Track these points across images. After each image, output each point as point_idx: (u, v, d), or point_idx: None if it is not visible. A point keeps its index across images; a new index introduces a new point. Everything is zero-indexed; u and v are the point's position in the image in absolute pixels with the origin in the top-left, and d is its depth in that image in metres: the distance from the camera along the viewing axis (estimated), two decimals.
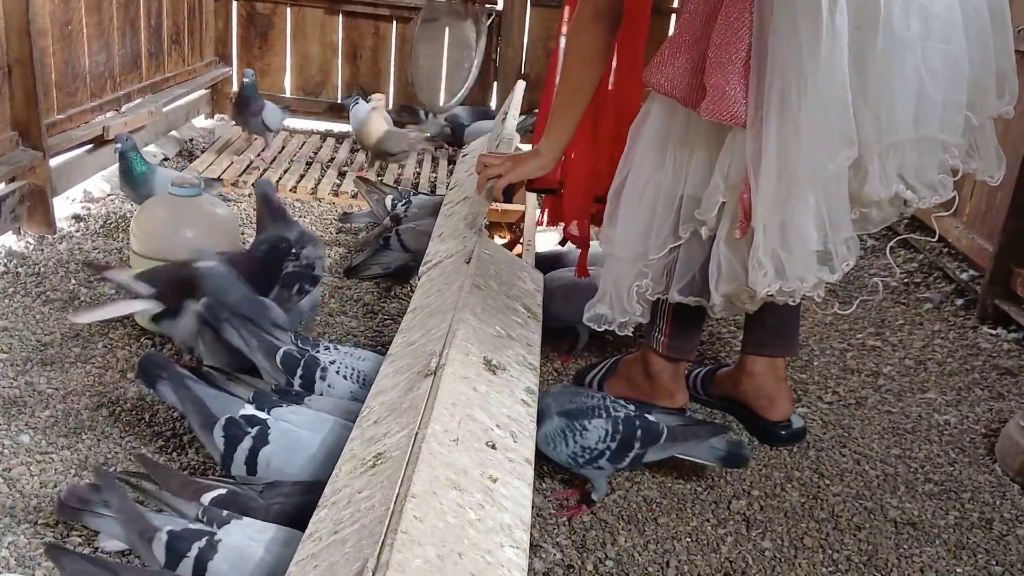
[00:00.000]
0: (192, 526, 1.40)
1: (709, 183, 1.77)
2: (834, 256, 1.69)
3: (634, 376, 2.22)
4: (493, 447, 1.39)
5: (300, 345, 1.98)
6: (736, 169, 1.71)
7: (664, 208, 1.87)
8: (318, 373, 1.92)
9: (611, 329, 2.02)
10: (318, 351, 1.97)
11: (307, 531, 1.25)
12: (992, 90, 1.70)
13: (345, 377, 1.92)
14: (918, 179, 1.68)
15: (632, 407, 1.88)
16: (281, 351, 1.94)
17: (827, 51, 1.55)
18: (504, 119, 3.11)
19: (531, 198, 3.18)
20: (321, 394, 1.90)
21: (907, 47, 1.58)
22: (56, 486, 1.76)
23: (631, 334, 2.06)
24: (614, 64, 2.24)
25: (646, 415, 1.86)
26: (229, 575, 1.35)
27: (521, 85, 3.89)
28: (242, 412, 1.71)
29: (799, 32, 1.56)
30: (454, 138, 4.50)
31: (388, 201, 3.09)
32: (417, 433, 1.32)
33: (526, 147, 4.20)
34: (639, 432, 1.82)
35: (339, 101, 4.97)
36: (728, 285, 1.80)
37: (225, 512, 1.43)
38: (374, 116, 3.91)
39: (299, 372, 1.92)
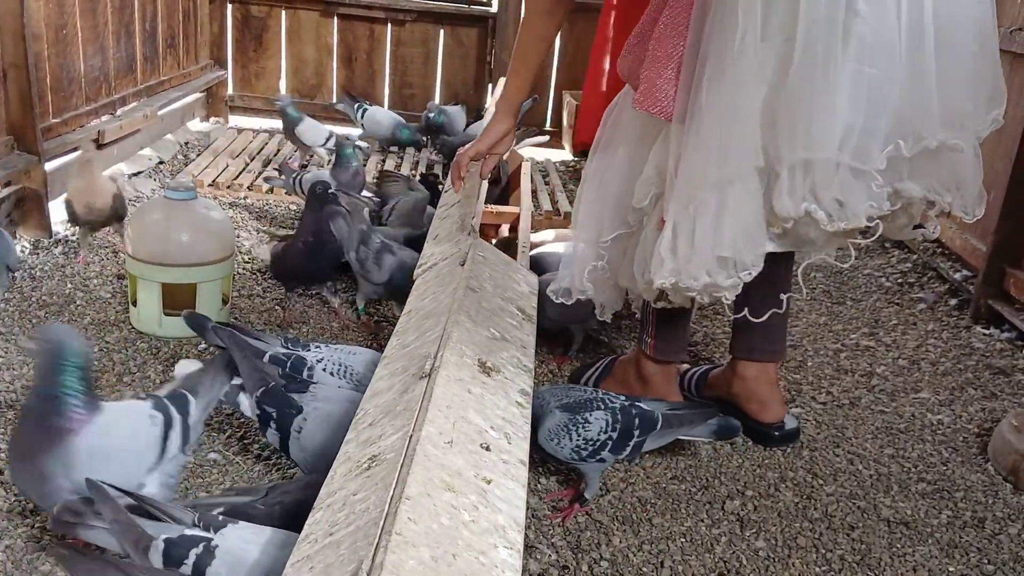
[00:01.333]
0: (188, 532, 1.41)
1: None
2: (735, 265, 1.71)
3: (628, 377, 2.23)
4: (487, 449, 1.40)
5: (289, 347, 2.00)
6: (665, 163, 1.76)
7: (619, 194, 1.93)
8: (304, 373, 1.94)
9: (568, 302, 2.13)
10: (307, 350, 1.99)
11: (302, 533, 1.25)
12: (937, 120, 1.65)
13: (332, 373, 1.94)
14: (835, 201, 1.65)
15: (623, 397, 1.91)
16: (267, 355, 1.96)
17: (737, 58, 1.58)
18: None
19: (526, 199, 3.19)
20: None
21: (829, 64, 1.58)
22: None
23: (610, 320, 2.15)
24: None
25: (639, 403, 1.90)
26: None
27: (503, 80, 3.90)
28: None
29: (723, 37, 1.60)
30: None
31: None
32: (412, 435, 1.33)
33: (522, 148, 4.22)
34: (637, 420, 1.85)
35: (336, 106, 4.80)
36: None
37: (221, 516, 1.44)
38: (95, 174, 2.86)
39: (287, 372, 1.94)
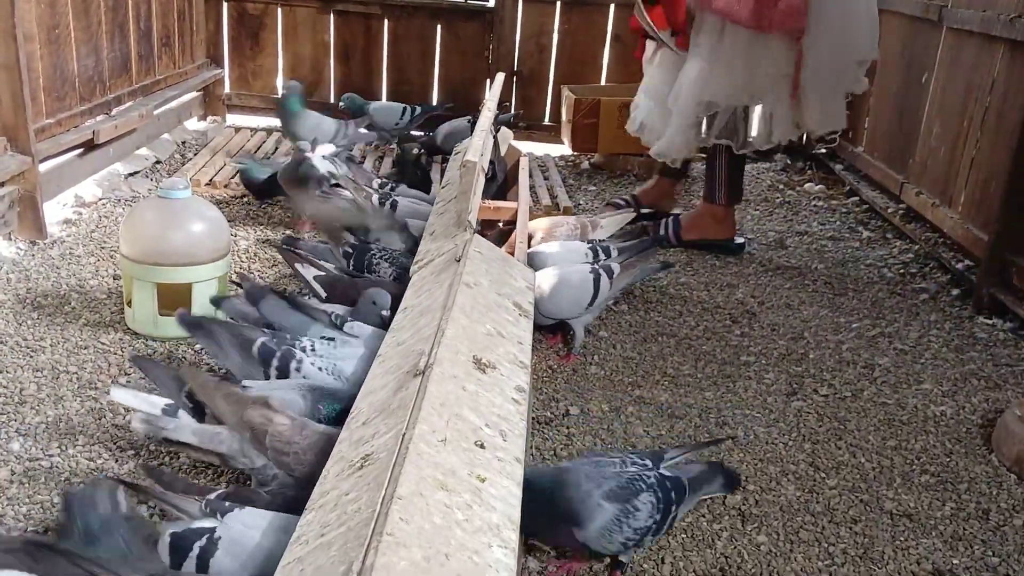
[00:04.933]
0: (194, 525, 1.41)
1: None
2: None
3: (702, 222, 3.39)
4: (482, 446, 1.38)
5: (278, 339, 2.01)
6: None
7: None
8: (293, 365, 1.93)
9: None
10: (299, 343, 1.99)
11: (294, 535, 1.24)
12: None
13: (320, 368, 1.94)
14: None
15: (649, 463, 1.67)
16: (257, 343, 1.95)
17: None
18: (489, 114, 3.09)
19: (524, 195, 3.16)
20: None
21: None
22: (49, 492, 1.75)
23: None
24: None
25: (662, 471, 1.67)
26: (231, 567, 1.35)
27: (501, 76, 3.88)
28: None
29: None
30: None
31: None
32: (405, 434, 1.31)
33: (520, 143, 4.20)
34: (673, 494, 1.65)
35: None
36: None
37: (227, 503, 1.44)
38: None
39: (275, 363, 1.94)
